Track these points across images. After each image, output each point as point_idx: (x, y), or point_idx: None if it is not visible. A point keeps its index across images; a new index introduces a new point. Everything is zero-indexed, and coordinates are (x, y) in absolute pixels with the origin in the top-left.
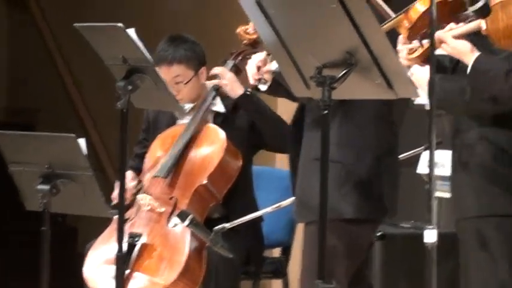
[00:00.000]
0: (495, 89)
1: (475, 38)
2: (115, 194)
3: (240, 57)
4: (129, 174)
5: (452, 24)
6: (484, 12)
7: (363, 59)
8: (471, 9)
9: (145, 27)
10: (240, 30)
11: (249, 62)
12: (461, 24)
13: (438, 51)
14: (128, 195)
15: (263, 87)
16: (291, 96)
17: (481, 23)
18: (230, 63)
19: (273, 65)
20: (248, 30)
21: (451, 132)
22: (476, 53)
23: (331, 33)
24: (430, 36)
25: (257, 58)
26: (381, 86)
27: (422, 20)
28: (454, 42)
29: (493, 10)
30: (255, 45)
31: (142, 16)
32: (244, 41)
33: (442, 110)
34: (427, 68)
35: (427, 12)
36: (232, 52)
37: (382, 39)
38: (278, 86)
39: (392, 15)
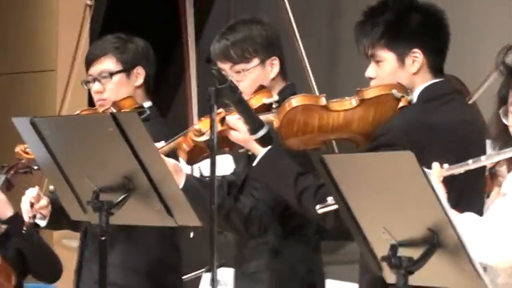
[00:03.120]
0: (280, 188)
1: None
2: None
3: (12, 171)
4: None
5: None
6: (266, 140)
7: (141, 184)
8: (253, 137)
9: None
10: (19, 149)
11: (22, 198)
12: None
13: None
14: None
15: (42, 223)
16: (74, 228)
17: (274, 120)
18: (1, 177)
19: (44, 201)
20: (27, 150)
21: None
22: (268, 147)
23: (108, 157)
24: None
25: (30, 194)
26: (161, 212)
27: (202, 143)
28: (244, 127)
29: (292, 111)
30: (29, 167)
31: None
32: (23, 161)
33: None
34: None
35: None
36: (4, 165)
37: (161, 165)
38: (60, 219)
39: None
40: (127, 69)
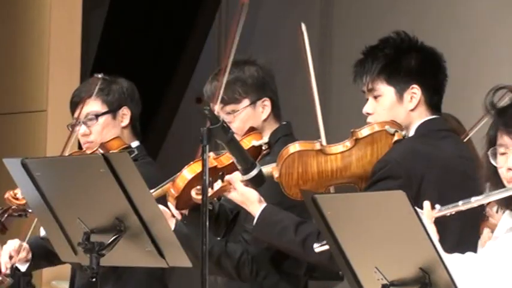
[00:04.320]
0: (283, 242)
1: None
2: None
3: (6, 215)
4: None
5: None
6: (258, 181)
7: (132, 225)
8: (245, 177)
9: None
10: (8, 195)
11: (2, 250)
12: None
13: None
14: None
15: (23, 268)
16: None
17: (274, 171)
18: None
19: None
20: (17, 196)
21: None
22: (264, 204)
23: (100, 198)
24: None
25: (10, 247)
26: (152, 253)
27: (191, 188)
28: (242, 188)
29: (289, 158)
30: (25, 210)
31: None
32: (13, 206)
33: None
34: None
35: (195, 179)
36: None
37: (152, 206)
38: (39, 263)
39: None
40: (113, 110)
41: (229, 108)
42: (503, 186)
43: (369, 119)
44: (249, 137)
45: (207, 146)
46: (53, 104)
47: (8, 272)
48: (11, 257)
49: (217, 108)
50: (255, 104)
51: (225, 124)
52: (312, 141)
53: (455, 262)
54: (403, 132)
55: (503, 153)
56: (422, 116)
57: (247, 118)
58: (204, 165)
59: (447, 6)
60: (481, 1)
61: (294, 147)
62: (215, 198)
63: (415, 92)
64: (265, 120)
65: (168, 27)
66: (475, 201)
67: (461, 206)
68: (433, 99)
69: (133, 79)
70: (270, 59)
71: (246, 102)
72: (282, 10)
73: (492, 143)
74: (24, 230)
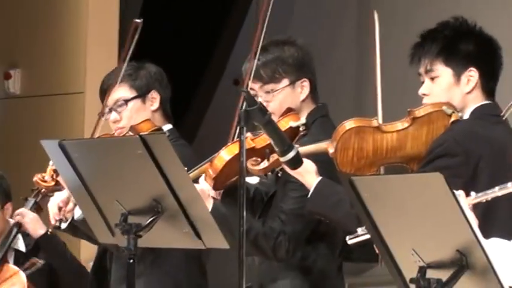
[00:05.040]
0: (338, 215)
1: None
2: None
3: (41, 195)
4: None
5: None
6: (295, 162)
7: (170, 206)
8: (282, 159)
9: None
10: (36, 178)
11: (51, 201)
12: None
13: (251, 180)
14: None
15: (64, 225)
16: (91, 240)
17: (329, 146)
18: (31, 201)
19: (71, 204)
20: (45, 178)
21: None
22: (320, 177)
23: (137, 180)
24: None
25: (59, 198)
26: (189, 235)
27: (229, 169)
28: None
29: (346, 134)
30: (57, 190)
31: None
32: (42, 190)
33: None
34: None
35: (233, 160)
36: (33, 189)
37: (189, 187)
38: (78, 228)
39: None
40: (141, 95)
41: (268, 87)
42: None
43: (425, 100)
44: (287, 118)
45: (244, 128)
46: (90, 86)
47: (58, 224)
48: (60, 209)
49: (256, 86)
50: (294, 84)
51: (262, 106)
52: (369, 118)
53: (493, 245)
54: (460, 114)
55: None
56: (478, 100)
57: (286, 98)
58: (241, 147)
59: None
60: None
61: (350, 123)
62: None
63: (472, 75)
64: (303, 101)
65: (206, 9)
66: (511, 186)
67: (498, 191)
68: (489, 84)
69: (171, 61)
70: (307, 40)
71: (285, 82)
72: None
73: None
74: None
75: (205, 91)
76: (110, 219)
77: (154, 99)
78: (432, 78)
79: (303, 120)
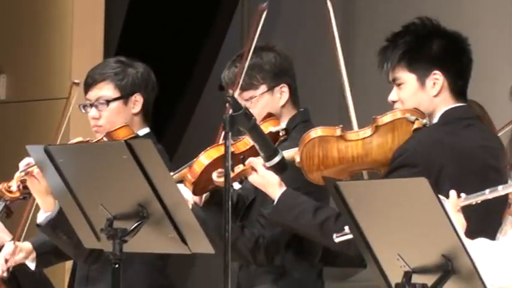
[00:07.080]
0: (300, 225)
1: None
2: None
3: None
4: None
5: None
6: (281, 167)
7: (155, 211)
8: (267, 164)
9: None
10: (1, 187)
11: None
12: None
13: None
14: None
15: (32, 265)
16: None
17: (295, 155)
18: (1, 204)
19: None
20: (11, 188)
21: None
22: (283, 188)
23: (122, 185)
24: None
25: (5, 251)
26: (175, 240)
27: (208, 173)
28: (263, 171)
29: (310, 143)
30: (26, 193)
31: None
32: (6, 199)
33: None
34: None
35: (212, 165)
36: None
37: (175, 192)
38: (48, 257)
39: None
40: (125, 96)
41: (247, 94)
42: None
43: (396, 106)
44: (266, 123)
45: (229, 133)
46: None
47: (5, 275)
48: (6, 261)
49: (236, 94)
50: (273, 90)
51: (247, 111)
52: (333, 126)
53: (477, 247)
54: (424, 121)
55: None
56: (447, 102)
57: (265, 104)
58: (226, 152)
59: None
60: None
61: (315, 132)
62: (236, 182)
63: (437, 78)
64: (283, 106)
65: (191, 14)
66: (502, 189)
67: (488, 194)
68: (457, 84)
69: (156, 65)
70: (290, 45)
71: (263, 88)
72: None
73: None
74: (27, 213)
75: (190, 95)
76: (95, 224)
77: (137, 102)
78: (398, 85)
79: (282, 125)
